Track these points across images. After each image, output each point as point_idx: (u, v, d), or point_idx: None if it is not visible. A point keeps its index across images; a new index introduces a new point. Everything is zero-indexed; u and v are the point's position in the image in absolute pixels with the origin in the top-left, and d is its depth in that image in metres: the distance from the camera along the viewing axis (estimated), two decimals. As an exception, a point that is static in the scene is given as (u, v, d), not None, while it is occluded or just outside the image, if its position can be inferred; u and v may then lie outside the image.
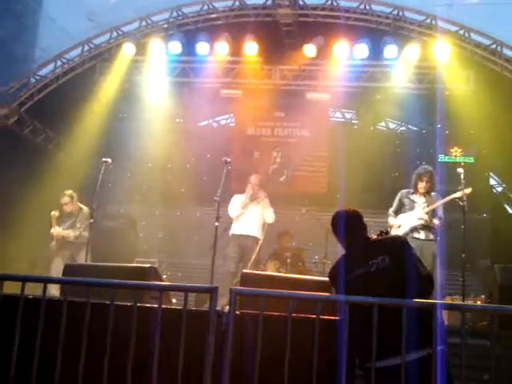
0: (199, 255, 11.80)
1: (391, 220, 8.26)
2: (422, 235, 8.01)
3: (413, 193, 8.25)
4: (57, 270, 8.71)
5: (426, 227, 8.02)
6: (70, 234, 9.28)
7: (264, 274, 7.53)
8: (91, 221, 8.89)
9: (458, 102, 11.45)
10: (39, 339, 3.40)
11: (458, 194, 8.06)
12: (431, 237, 8.03)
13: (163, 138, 13.57)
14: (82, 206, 9.50)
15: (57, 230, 9.29)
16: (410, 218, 8.09)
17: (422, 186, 8.15)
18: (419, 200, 8.16)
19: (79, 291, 3.73)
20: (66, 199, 9.42)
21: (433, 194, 8.22)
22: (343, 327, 3.34)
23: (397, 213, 8.28)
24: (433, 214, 8.06)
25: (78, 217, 9.41)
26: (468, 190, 8.05)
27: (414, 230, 8.03)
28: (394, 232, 7.98)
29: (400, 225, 8.12)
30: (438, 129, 12.91)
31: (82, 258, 8.94)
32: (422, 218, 7.99)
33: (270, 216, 9.19)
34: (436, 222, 8.03)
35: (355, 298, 3.55)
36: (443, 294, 8.22)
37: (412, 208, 8.13)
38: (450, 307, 5.33)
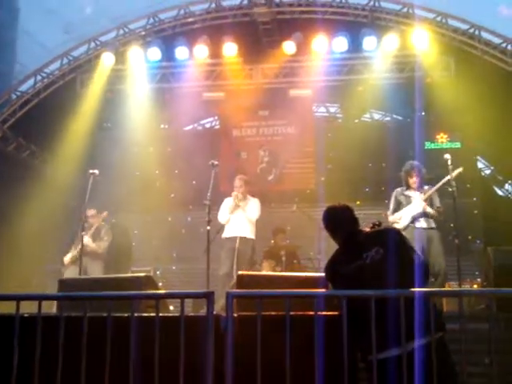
0: (193, 260, 11.78)
1: (391, 217, 8.35)
2: (423, 224, 8.11)
3: (406, 189, 8.36)
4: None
5: (427, 216, 8.09)
6: (101, 245, 9.33)
7: (260, 274, 7.53)
8: (83, 233, 8.88)
9: (440, 88, 11.50)
10: (38, 357, 3.37)
11: (451, 175, 8.09)
12: (433, 225, 8.14)
13: (149, 145, 13.55)
14: (104, 222, 9.60)
15: (86, 240, 9.20)
16: (409, 210, 8.19)
17: (412, 181, 8.28)
18: (414, 194, 8.29)
19: (76, 305, 3.71)
20: (92, 211, 9.40)
21: (425, 187, 8.32)
22: (342, 322, 3.34)
23: (395, 212, 8.36)
24: (430, 204, 8.14)
25: (103, 229, 9.46)
26: (459, 170, 8.11)
27: (415, 219, 8.10)
28: (396, 226, 8.04)
29: (401, 217, 8.21)
30: (422, 116, 12.95)
31: (94, 269, 9.04)
32: (420, 206, 8.08)
33: (252, 214, 9.20)
34: (432, 211, 8.09)
35: (353, 292, 3.56)
36: (447, 279, 8.29)
37: (409, 202, 8.25)
38: (448, 294, 5.35)
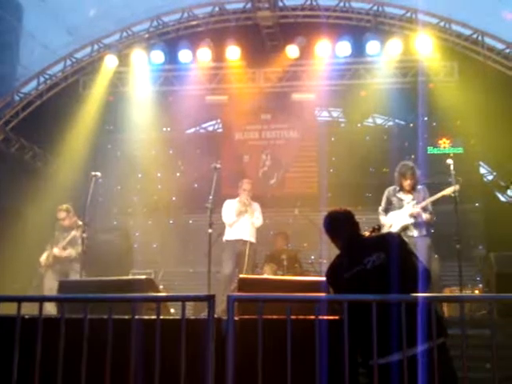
0: (195, 263, 11.80)
1: (382, 219, 8.17)
2: (414, 232, 7.93)
3: (399, 190, 8.17)
4: (50, 284, 8.68)
5: (418, 224, 7.98)
6: (72, 253, 9.13)
7: (261, 277, 7.52)
8: (84, 235, 8.79)
9: (443, 93, 11.50)
10: (38, 359, 3.37)
11: (447, 192, 8.00)
12: (424, 232, 7.96)
13: (151, 147, 13.56)
14: (78, 221, 9.42)
15: (56, 252, 9.18)
16: (400, 217, 8.02)
17: (406, 183, 8.06)
18: (406, 197, 8.09)
19: (76, 307, 3.70)
20: (62, 214, 9.30)
21: (418, 187, 8.18)
22: (343, 326, 3.33)
23: (387, 211, 8.21)
24: (424, 209, 8.03)
25: (78, 233, 9.26)
26: (456, 187, 7.99)
27: (406, 228, 7.94)
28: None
29: (391, 224, 8.03)
30: (424, 121, 12.95)
31: (74, 272, 8.87)
32: (412, 214, 7.94)
33: (258, 221, 9.22)
34: (427, 216, 7.99)
35: (354, 296, 3.55)
36: (440, 286, 8.22)
37: (401, 206, 8.06)
38: (449, 299, 5.34)
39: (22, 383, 3.33)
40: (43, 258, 9.32)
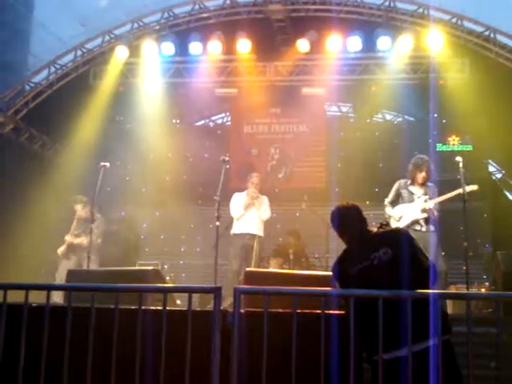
0: (202, 255, 11.82)
1: (389, 211, 8.10)
2: (423, 227, 7.86)
3: (411, 184, 8.09)
4: (62, 274, 8.76)
5: (428, 219, 7.90)
6: (84, 241, 9.28)
7: (268, 271, 7.55)
8: (96, 229, 8.93)
9: (453, 90, 11.45)
10: (45, 347, 3.39)
11: (455, 193, 7.94)
12: (432, 228, 7.91)
13: (160, 139, 13.55)
14: (95, 213, 9.53)
15: (68, 239, 9.42)
16: (411, 211, 7.94)
17: (420, 176, 7.98)
18: (418, 191, 8.01)
19: (82, 296, 3.72)
20: (78, 206, 9.49)
21: (429, 184, 8.10)
22: (348, 321, 3.34)
23: (393, 203, 8.12)
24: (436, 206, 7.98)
25: (94, 223, 9.38)
26: (474, 187, 7.90)
27: (416, 222, 7.90)
28: (393, 224, 7.83)
29: (401, 216, 7.95)
30: (434, 118, 12.90)
31: (86, 262, 8.94)
32: (425, 211, 7.85)
33: (265, 214, 9.22)
34: (436, 213, 7.95)
35: (361, 291, 3.55)
36: (447, 283, 8.19)
37: (411, 200, 7.97)
38: (455, 297, 5.33)
39: (28, 371, 3.36)
40: (61, 249, 9.44)
